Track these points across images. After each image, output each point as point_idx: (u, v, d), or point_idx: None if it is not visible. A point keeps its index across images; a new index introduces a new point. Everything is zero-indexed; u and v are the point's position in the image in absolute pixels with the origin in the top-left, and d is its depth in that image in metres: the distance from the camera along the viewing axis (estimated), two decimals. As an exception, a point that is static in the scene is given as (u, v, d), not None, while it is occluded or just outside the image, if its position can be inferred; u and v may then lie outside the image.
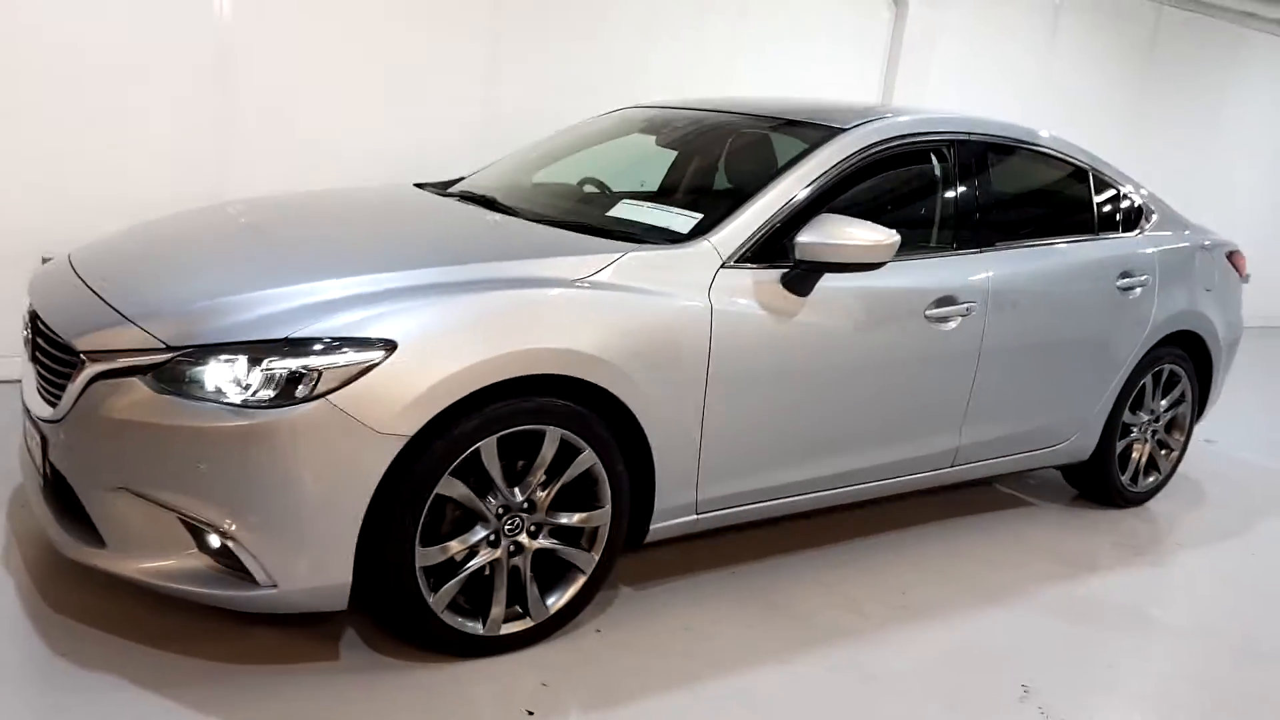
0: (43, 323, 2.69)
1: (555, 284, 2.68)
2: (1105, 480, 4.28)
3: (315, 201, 3.67)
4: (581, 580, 2.81)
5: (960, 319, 3.43)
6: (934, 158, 3.57)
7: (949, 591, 3.43)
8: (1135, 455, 4.35)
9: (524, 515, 2.66)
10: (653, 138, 3.93)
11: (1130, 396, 4.17)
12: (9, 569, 2.85)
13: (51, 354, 2.61)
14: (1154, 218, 4.31)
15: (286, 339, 2.35)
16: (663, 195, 3.72)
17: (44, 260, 4.38)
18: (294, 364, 2.32)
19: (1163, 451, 4.47)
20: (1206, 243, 4.49)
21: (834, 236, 2.95)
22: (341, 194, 3.90)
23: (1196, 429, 4.66)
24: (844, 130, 3.34)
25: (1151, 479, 4.45)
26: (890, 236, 2.97)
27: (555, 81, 5.50)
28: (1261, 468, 5.30)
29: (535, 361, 2.54)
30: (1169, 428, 4.47)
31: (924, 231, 3.57)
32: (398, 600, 2.52)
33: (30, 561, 2.90)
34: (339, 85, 4.91)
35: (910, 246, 3.37)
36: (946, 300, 3.39)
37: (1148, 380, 4.23)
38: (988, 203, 3.65)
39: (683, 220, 3.09)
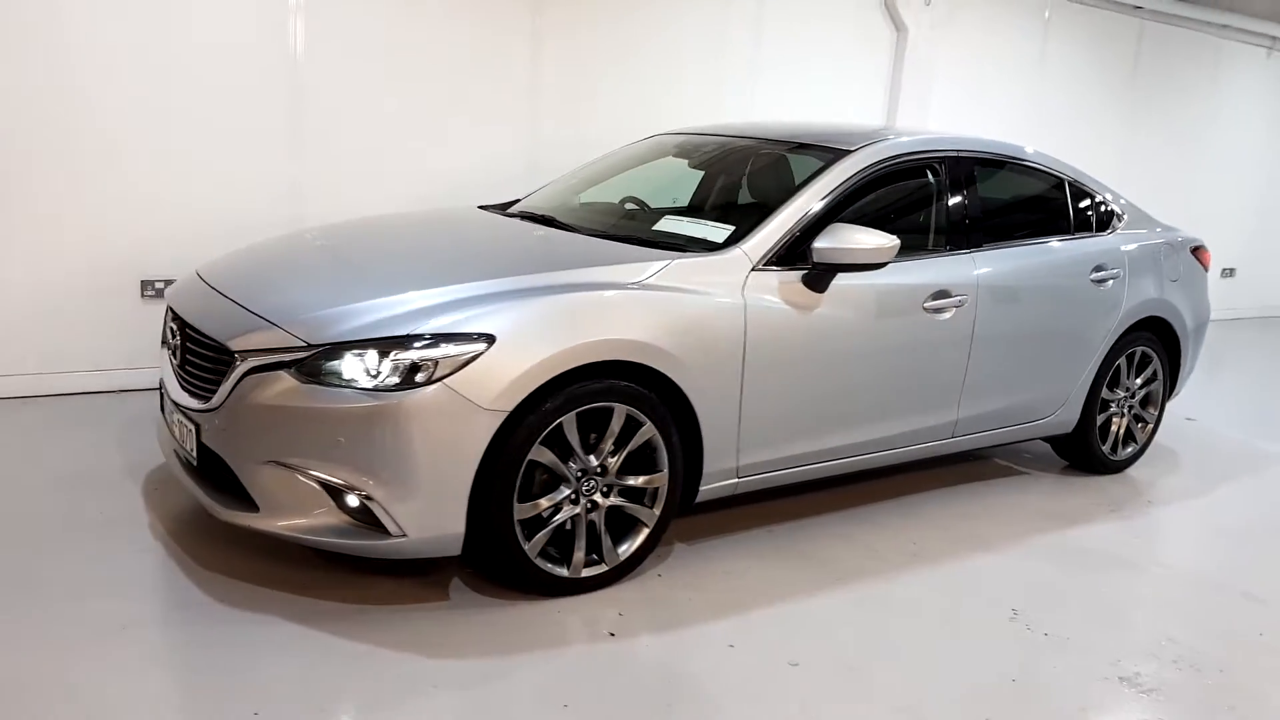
0: (192, 329, 3.25)
1: (616, 286, 3.24)
2: (1088, 450, 4.84)
3: (391, 223, 4.24)
4: (646, 532, 3.36)
5: (954, 310, 3.99)
6: (928, 173, 4.15)
7: (953, 542, 3.98)
8: (1114, 427, 4.90)
9: (598, 478, 3.21)
10: (684, 160, 4.51)
11: (1107, 375, 4.73)
12: (158, 539, 3.41)
13: (202, 354, 3.17)
14: (1125, 219, 4.89)
15: (408, 335, 2.91)
16: (694, 211, 4.29)
17: (142, 284, 4.97)
18: (415, 355, 2.88)
19: (1139, 424, 5.03)
20: (1173, 239, 5.06)
21: (845, 242, 3.52)
22: (417, 215, 4.48)
23: (1171, 404, 5.22)
24: (850, 152, 3.91)
25: (1130, 449, 5.01)
26: (891, 241, 3.54)
27: (587, 110, 6.09)
28: (1231, 439, 5.84)
29: (604, 349, 3.09)
30: (1144, 403, 5.03)
31: (921, 235, 4.14)
32: (499, 548, 3.07)
33: (175, 533, 3.45)
34: (401, 123, 5.50)
35: (909, 248, 3.93)
36: (942, 294, 3.95)
37: (1122, 361, 4.79)
38: (975, 209, 4.21)
39: (718, 232, 3.67)
